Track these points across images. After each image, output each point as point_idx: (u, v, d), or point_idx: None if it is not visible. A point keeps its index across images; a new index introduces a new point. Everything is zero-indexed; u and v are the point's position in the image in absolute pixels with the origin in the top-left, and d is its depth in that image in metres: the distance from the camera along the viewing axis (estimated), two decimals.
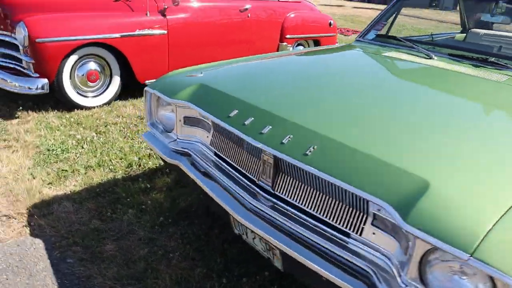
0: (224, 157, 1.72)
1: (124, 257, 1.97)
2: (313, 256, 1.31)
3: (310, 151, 1.31)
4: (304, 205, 1.41)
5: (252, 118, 1.52)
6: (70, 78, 3.70)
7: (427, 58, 2.23)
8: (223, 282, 1.84)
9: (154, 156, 3.00)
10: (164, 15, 4.11)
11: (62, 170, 2.74)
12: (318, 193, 1.38)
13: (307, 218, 1.40)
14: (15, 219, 2.22)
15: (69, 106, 3.79)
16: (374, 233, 1.24)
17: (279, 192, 1.48)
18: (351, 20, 13.71)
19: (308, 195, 1.40)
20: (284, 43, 5.35)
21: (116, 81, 4.00)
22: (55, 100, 3.89)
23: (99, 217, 2.27)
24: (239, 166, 1.64)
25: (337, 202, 1.33)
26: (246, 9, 4.83)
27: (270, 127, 1.45)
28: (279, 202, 1.48)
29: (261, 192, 1.53)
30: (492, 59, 2.14)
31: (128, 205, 2.38)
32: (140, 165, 2.87)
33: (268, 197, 1.50)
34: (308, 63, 2.30)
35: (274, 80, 1.91)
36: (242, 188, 1.59)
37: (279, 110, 1.51)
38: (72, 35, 3.52)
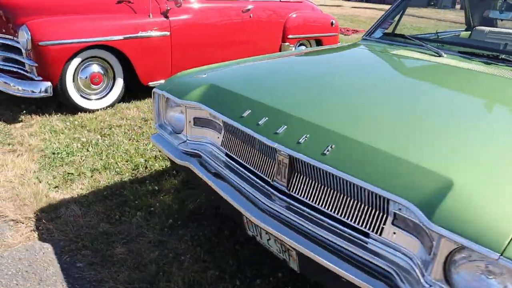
0: (236, 158, 1.70)
1: (134, 260, 1.95)
2: (332, 257, 1.29)
3: (328, 151, 1.29)
4: (321, 205, 1.39)
5: (266, 118, 1.49)
6: (73, 81, 3.68)
7: (437, 56, 2.21)
8: (236, 284, 1.81)
9: (161, 158, 2.98)
10: (166, 17, 4.10)
11: (68, 173, 2.71)
12: (335, 192, 1.36)
13: (324, 218, 1.38)
14: (23, 223, 2.19)
15: (73, 109, 3.77)
16: (394, 233, 1.22)
17: (295, 193, 1.46)
18: (350, 20, 13.72)
19: (325, 195, 1.38)
20: (286, 43, 5.33)
21: (119, 83, 3.98)
22: (58, 103, 3.86)
23: (107, 220, 2.25)
24: (252, 166, 1.62)
25: (355, 202, 1.31)
26: (249, 9, 4.81)
27: (285, 126, 1.43)
28: (294, 203, 1.46)
29: (275, 193, 1.51)
30: (503, 56, 2.12)
31: (136, 208, 2.36)
32: (146, 167, 2.84)
33: (283, 197, 1.48)
34: (317, 62, 2.28)
35: (285, 79, 1.89)
36: (256, 189, 1.56)
37: (293, 109, 1.49)
38: (75, 38, 3.50)
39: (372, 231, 1.27)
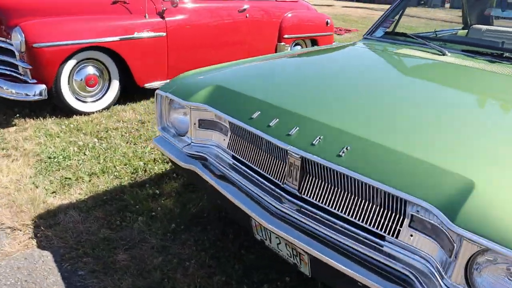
0: (243, 160, 1.66)
1: (138, 267, 1.90)
2: (347, 260, 1.26)
3: (343, 152, 1.25)
4: (334, 208, 1.35)
5: (277, 120, 1.46)
6: (69, 84, 3.60)
7: (441, 55, 2.20)
8: None
9: (160, 161, 2.93)
10: (162, 17, 4.04)
11: (66, 178, 2.65)
12: (349, 195, 1.32)
13: (337, 221, 1.35)
14: (20, 231, 2.13)
15: (68, 112, 3.69)
16: (411, 235, 1.19)
17: (306, 195, 1.42)
18: (342, 20, 13.75)
19: (338, 197, 1.35)
20: (282, 43, 5.31)
21: (115, 85, 3.91)
22: (53, 106, 3.79)
23: (108, 226, 2.19)
24: (261, 169, 1.58)
25: (369, 204, 1.28)
26: (245, 9, 4.77)
27: (298, 128, 1.39)
28: (306, 206, 1.42)
29: (286, 196, 1.47)
30: (507, 54, 2.11)
31: (137, 213, 2.31)
32: (145, 171, 2.79)
33: (295, 200, 1.45)
34: (322, 62, 2.25)
35: (292, 79, 1.86)
36: (265, 192, 1.53)
37: (305, 110, 1.46)
38: (70, 39, 3.43)
39: (388, 233, 1.24)
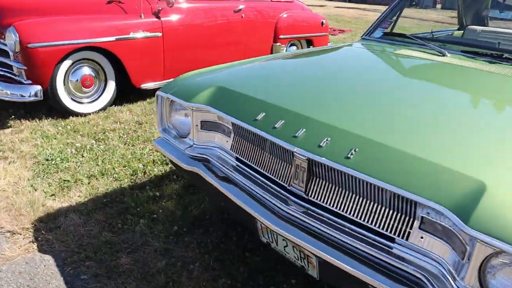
0: (248, 162, 1.65)
1: (141, 270, 1.88)
2: (357, 263, 1.25)
3: (351, 154, 1.25)
4: (342, 210, 1.35)
5: (283, 121, 1.45)
6: (64, 84, 3.56)
7: (440, 55, 2.21)
8: None
9: (159, 163, 2.91)
10: (158, 17, 4.01)
11: (64, 180, 2.61)
12: (356, 197, 1.32)
13: (345, 223, 1.34)
14: (20, 234, 2.09)
15: (64, 113, 3.65)
16: (422, 238, 1.19)
17: (313, 197, 1.42)
18: (335, 20, 13.78)
19: (346, 199, 1.34)
20: (278, 44, 5.30)
21: (111, 86, 3.87)
22: (48, 107, 3.74)
23: (109, 228, 2.17)
24: (266, 171, 1.57)
25: (378, 206, 1.27)
26: (240, 9, 4.76)
27: (304, 130, 1.38)
28: (312, 208, 1.42)
29: (292, 198, 1.46)
30: (506, 55, 2.13)
31: (139, 215, 2.28)
32: (145, 172, 2.77)
33: (301, 202, 1.44)
34: (324, 62, 2.25)
35: (295, 80, 1.85)
36: (271, 194, 1.52)
37: (311, 111, 1.45)
38: (65, 39, 3.38)
39: (398, 236, 1.24)
